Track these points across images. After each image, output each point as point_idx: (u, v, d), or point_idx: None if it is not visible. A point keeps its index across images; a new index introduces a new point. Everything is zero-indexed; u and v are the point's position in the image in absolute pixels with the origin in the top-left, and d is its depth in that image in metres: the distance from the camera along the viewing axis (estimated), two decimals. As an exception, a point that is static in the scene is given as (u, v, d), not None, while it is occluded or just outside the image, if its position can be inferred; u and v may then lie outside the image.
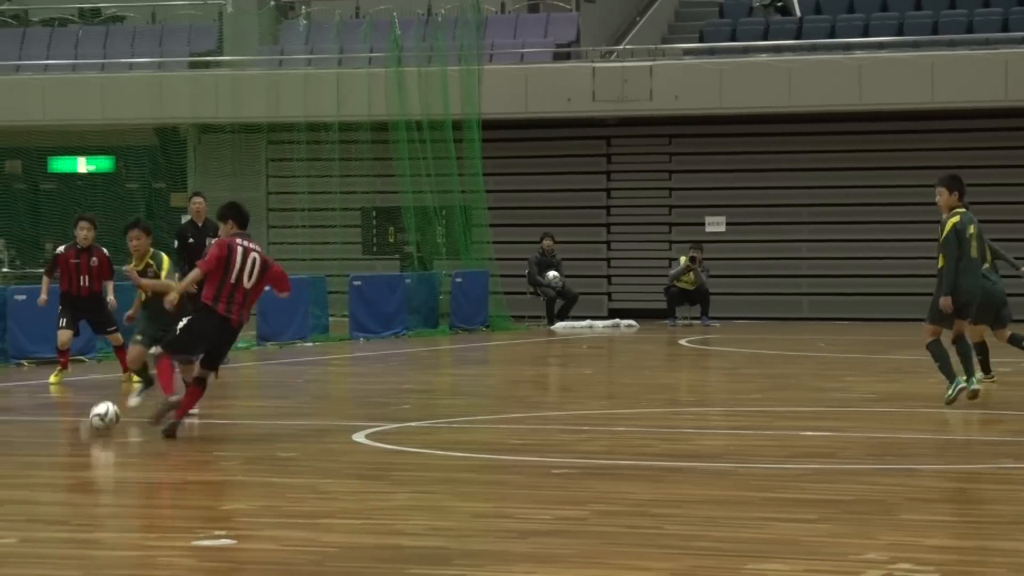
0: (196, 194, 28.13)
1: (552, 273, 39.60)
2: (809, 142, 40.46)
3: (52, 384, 24.33)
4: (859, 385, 24.91)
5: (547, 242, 39.94)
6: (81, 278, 23.94)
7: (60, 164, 45.19)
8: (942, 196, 20.01)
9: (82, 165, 45.56)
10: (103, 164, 45.80)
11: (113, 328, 24.44)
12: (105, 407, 17.58)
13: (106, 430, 16.46)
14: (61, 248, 24.62)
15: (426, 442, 17.48)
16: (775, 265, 39.02)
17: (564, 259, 40.20)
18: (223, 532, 12.45)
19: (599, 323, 38.78)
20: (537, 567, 10.95)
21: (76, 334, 24.90)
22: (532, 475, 15.69)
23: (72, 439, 20.26)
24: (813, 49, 41.26)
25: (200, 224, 26.51)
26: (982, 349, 21.99)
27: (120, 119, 43.26)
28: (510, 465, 16.42)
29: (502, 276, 39.26)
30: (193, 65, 44.53)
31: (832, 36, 41.80)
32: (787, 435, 19.40)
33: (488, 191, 39.66)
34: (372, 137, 40.25)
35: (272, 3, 46.19)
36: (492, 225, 40.00)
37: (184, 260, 25.70)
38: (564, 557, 11.33)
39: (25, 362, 28.07)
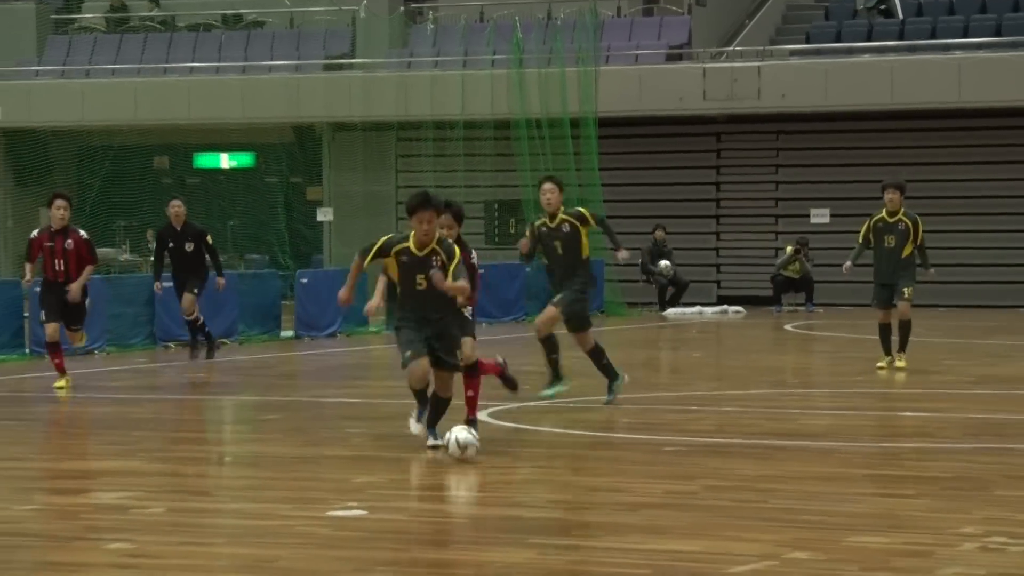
0: (175, 198, 26.35)
1: (664, 262, 39.64)
2: (910, 138, 40.15)
3: (59, 390, 21.15)
4: (957, 368, 24.74)
5: (659, 233, 39.96)
6: (56, 262, 21.03)
7: (204, 160, 45.55)
8: None
9: (225, 161, 45.88)
10: (244, 160, 46.11)
11: (78, 328, 21.79)
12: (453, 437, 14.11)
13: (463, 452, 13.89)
14: (35, 232, 22.06)
15: (545, 420, 17.49)
16: (877, 255, 38.75)
17: (675, 249, 40.20)
18: (355, 503, 12.52)
19: (708, 309, 38.71)
20: (648, 538, 10.95)
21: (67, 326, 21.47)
22: (644, 452, 15.69)
23: (216, 416, 20.40)
24: (914, 49, 40.92)
25: (179, 228, 25.24)
26: None
27: (260, 118, 43.53)
28: (623, 443, 16.44)
29: (616, 265, 39.16)
30: (328, 67, 44.71)
31: (933, 37, 41.44)
32: (887, 415, 19.30)
33: (604, 185, 39.68)
34: (494, 134, 40.34)
35: (401, 9, 46.29)
36: (607, 217, 39.87)
37: (158, 263, 25.44)
38: (674, 529, 11.32)
39: (172, 344, 28.29)
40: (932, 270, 23.24)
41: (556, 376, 19.12)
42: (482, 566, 9.88)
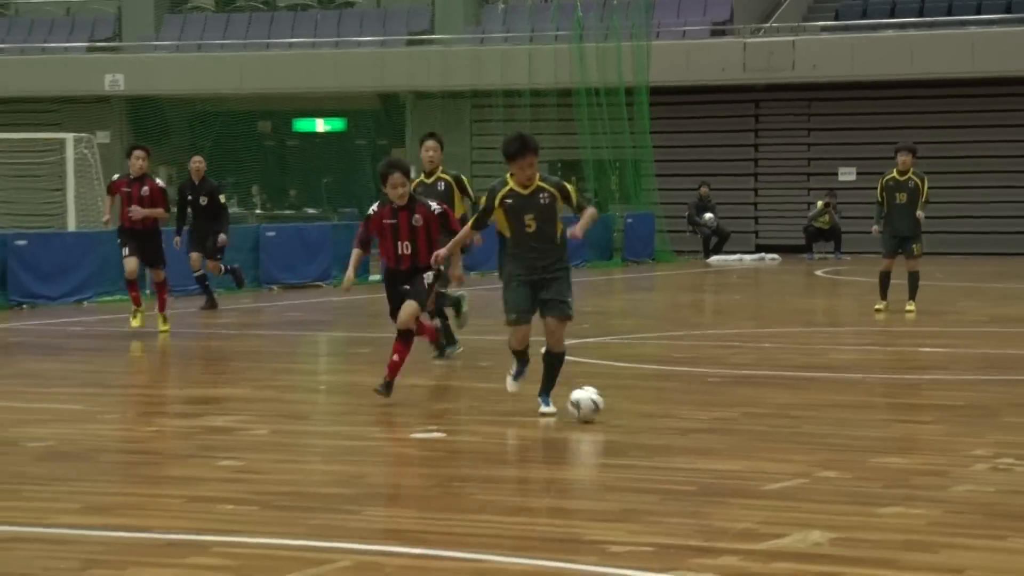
0: (197, 155, 25.30)
1: (708, 215, 39.77)
2: (928, 104, 39.99)
3: (134, 325, 20.27)
4: (971, 309, 24.63)
5: (704, 189, 40.05)
6: (132, 208, 20.02)
7: (302, 125, 45.67)
8: None
9: (320, 126, 45.97)
10: (337, 125, 46.20)
11: (161, 264, 20.61)
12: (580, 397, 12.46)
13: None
14: (116, 175, 21.37)
15: (602, 355, 17.49)
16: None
17: (718, 203, 40.29)
18: (435, 427, 12.56)
19: (747, 257, 38.60)
20: (696, 459, 10.95)
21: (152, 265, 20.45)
22: (691, 382, 15.69)
23: (312, 350, 20.48)
24: (932, 25, 40.72)
25: (196, 182, 23.97)
26: None
27: (350, 87, 43.59)
28: (672, 374, 16.42)
29: (666, 217, 39.25)
30: (410, 42, 44.73)
31: (949, 14, 41.26)
32: (907, 351, 19.24)
33: (655, 147, 39.66)
34: (557, 102, 40.25)
35: (475, -9, 46.37)
36: (658, 175, 39.97)
37: (180, 215, 23.86)
38: (718, 450, 11.32)
39: (275, 287, 28.48)
40: (921, 213, 23.01)
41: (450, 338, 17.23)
42: (551, 482, 9.90)
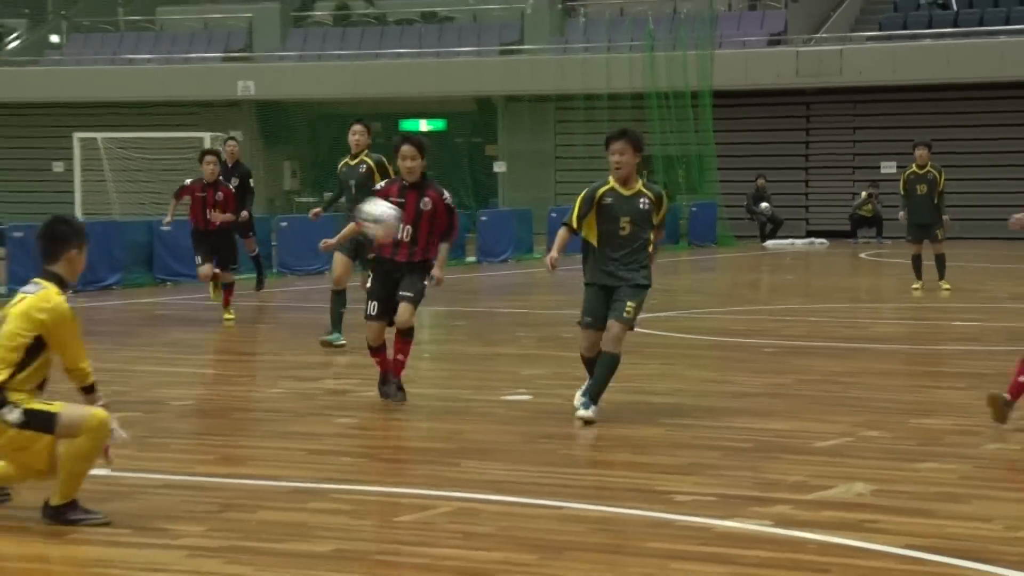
0: (230, 138, 23.05)
1: (764, 204, 39.56)
2: (961, 106, 39.43)
3: (228, 321, 18.59)
4: (1000, 288, 24.37)
5: (760, 181, 39.81)
6: (208, 211, 18.37)
7: (408, 125, 45.63)
8: None
9: (423, 126, 45.94)
10: (438, 125, 46.17)
11: (235, 267, 18.92)
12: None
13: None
14: (188, 180, 19.41)
15: (669, 327, 17.45)
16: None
17: (773, 193, 40.03)
18: (523, 390, 12.59)
19: (799, 241, 38.30)
20: (752, 419, 10.94)
21: (219, 267, 18.46)
22: (748, 352, 15.62)
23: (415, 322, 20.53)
24: (966, 35, 40.26)
25: (231, 165, 21.39)
26: None
27: (450, 92, 43.61)
28: (731, 345, 16.36)
29: (726, 206, 39.09)
30: (502, 52, 44.65)
31: (981, 24, 40.80)
32: (942, 324, 19.07)
33: (717, 143, 39.43)
34: (631, 104, 40.08)
35: (559, 6, 46.22)
36: (719, 168, 39.79)
37: None
38: (772, 412, 11.29)
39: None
40: (947, 217, 22.91)
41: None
42: (624, 438, 9.90)
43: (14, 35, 49.78)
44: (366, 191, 14.59)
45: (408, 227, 11.21)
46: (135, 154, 40.37)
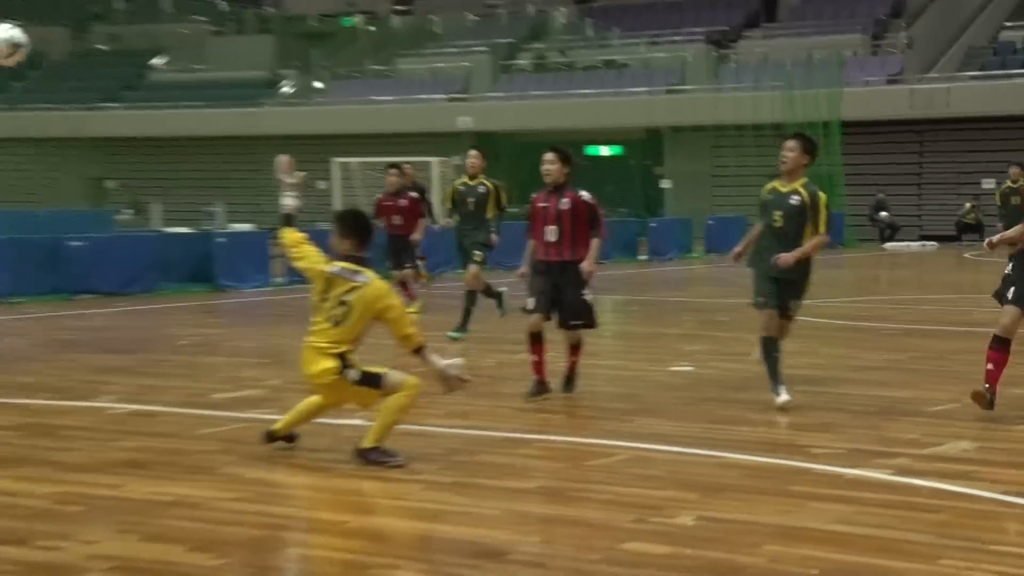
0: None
1: (883, 213, 39.02)
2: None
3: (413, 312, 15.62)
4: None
5: (881, 195, 39.31)
6: (393, 218, 16.37)
7: (591, 150, 45.72)
8: None
9: (604, 151, 45.98)
10: (616, 151, 46.16)
11: (411, 265, 16.52)
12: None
13: None
14: (378, 195, 17.34)
15: (806, 313, 17.20)
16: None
17: (892, 204, 39.48)
18: (686, 362, 12.55)
19: (913, 244, 37.54)
20: (875, 388, 10.78)
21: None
22: (870, 333, 15.35)
23: (598, 308, 20.50)
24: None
25: (411, 184, 17.77)
26: None
27: (626, 124, 43.63)
28: (857, 327, 16.09)
29: (852, 215, 38.48)
30: (668, 92, 44.47)
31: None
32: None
33: (844, 164, 38.81)
34: (771, 133, 39.67)
35: (714, 53, 45.92)
36: (847, 184, 39.17)
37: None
38: (891, 382, 11.12)
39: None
40: None
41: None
42: (770, 402, 9.82)
43: (287, 82, 50.97)
44: (482, 208, 14.55)
45: (553, 227, 10.08)
46: (378, 174, 41.05)
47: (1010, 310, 9.35)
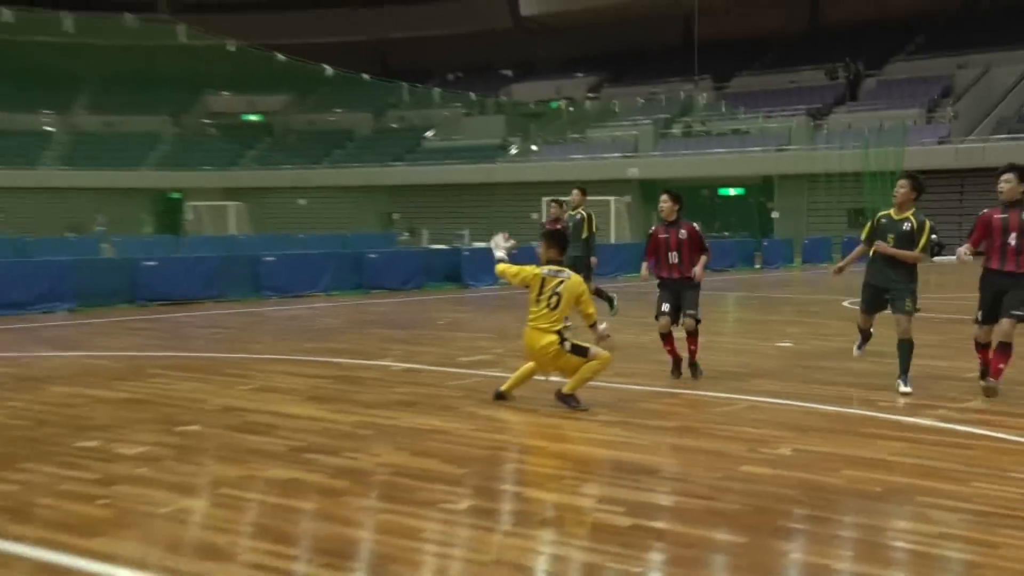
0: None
1: (935, 235, 36.98)
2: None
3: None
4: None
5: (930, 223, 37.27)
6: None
7: (722, 191, 44.77)
8: None
9: (732, 192, 44.92)
10: (739, 191, 44.99)
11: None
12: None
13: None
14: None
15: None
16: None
17: (941, 230, 37.24)
18: (788, 340, 12.13)
19: (954, 257, 35.35)
20: (923, 360, 10.08)
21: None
22: (924, 321, 14.28)
23: (721, 303, 19.76)
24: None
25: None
26: None
27: (747, 173, 42.61)
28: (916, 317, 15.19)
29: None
30: (777, 150, 43.17)
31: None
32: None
33: (906, 201, 37.00)
34: (854, 180, 38.24)
35: (812, 124, 44.39)
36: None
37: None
38: (936, 356, 10.46)
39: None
40: None
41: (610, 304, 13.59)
42: (847, 369, 9.40)
43: (513, 146, 51.41)
44: (577, 233, 13.18)
45: (674, 252, 9.22)
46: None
47: (983, 330, 8.39)
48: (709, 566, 4.40)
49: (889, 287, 8.47)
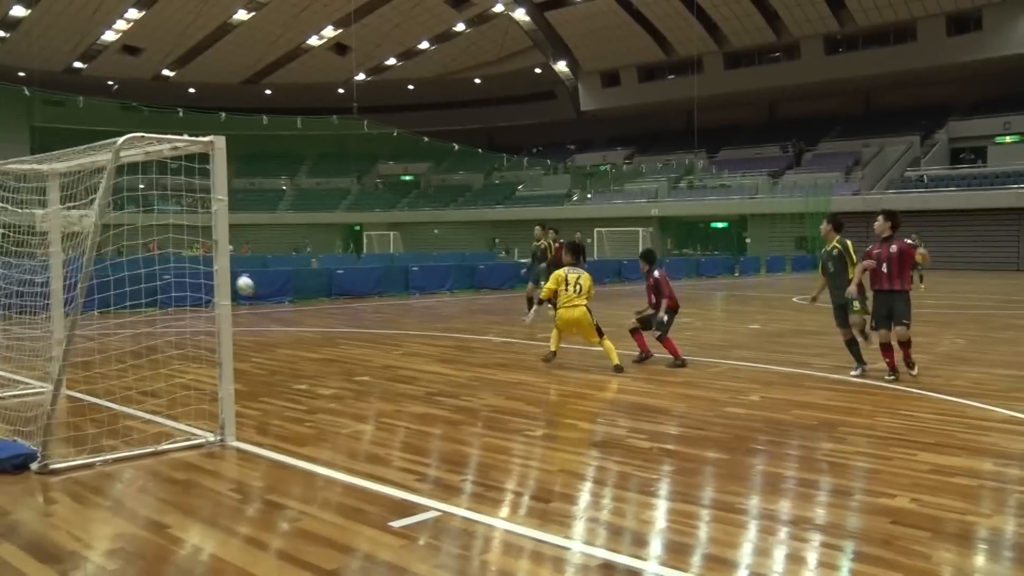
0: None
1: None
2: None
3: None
4: None
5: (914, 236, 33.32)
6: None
7: (713, 224, 42.68)
8: None
9: (719, 225, 43.03)
10: (725, 225, 42.35)
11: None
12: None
13: None
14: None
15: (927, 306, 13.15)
16: None
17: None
18: (757, 324, 11.36)
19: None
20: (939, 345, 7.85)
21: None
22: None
23: (782, 303, 14.64)
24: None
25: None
26: None
27: (729, 212, 40.93)
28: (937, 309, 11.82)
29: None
30: (750, 198, 41.36)
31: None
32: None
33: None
34: (795, 217, 36.34)
35: (772, 181, 42.29)
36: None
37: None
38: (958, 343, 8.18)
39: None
40: None
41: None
42: (820, 347, 8.72)
43: (575, 195, 50.45)
44: (543, 257, 11.23)
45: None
46: (614, 240, 39.78)
47: (880, 332, 7.07)
48: (703, 474, 4.41)
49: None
